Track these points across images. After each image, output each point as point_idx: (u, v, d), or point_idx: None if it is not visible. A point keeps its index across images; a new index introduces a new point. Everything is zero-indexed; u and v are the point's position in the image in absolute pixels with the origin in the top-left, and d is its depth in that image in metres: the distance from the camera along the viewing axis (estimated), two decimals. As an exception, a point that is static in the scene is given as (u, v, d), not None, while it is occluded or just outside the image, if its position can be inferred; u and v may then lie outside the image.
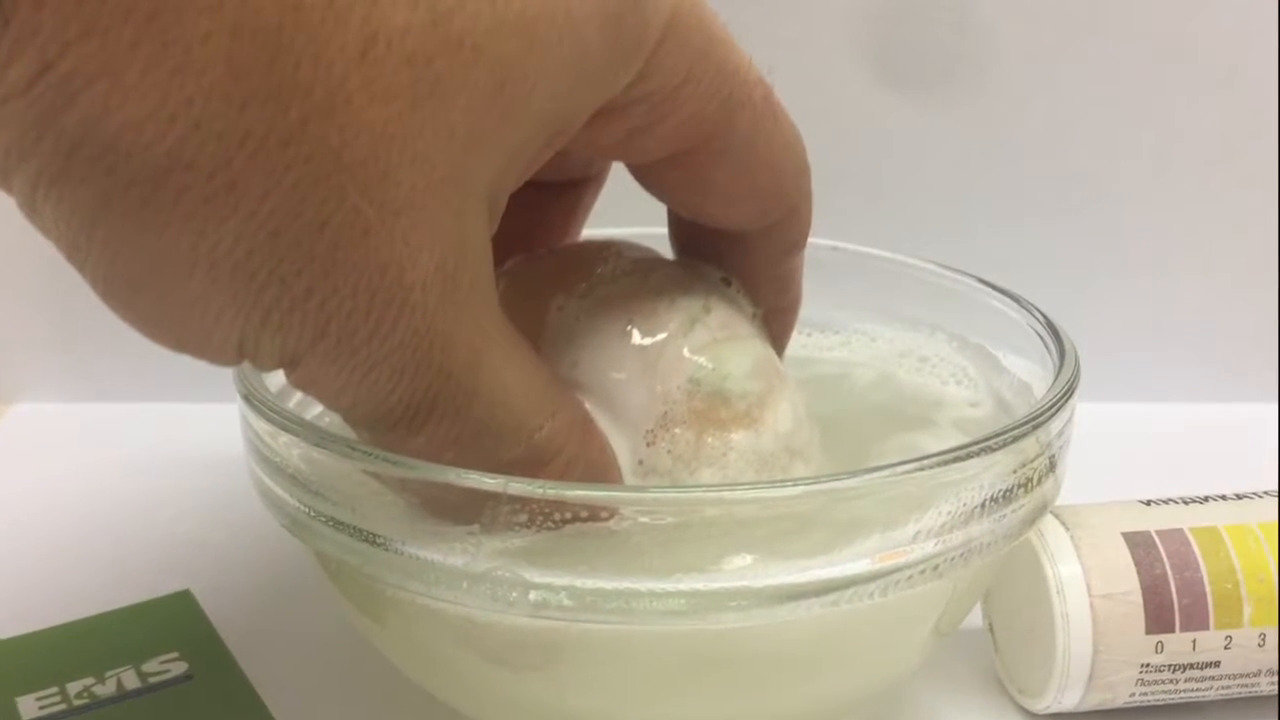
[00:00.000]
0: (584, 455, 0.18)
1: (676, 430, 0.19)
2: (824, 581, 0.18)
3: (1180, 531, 0.23)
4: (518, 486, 0.17)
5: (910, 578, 0.19)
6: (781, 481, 0.20)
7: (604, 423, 0.19)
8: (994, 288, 0.26)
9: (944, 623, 0.22)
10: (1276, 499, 0.24)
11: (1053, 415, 0.21)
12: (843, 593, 0.19)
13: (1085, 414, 0.23)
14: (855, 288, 0.28)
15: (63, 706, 0.23)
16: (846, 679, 0.21)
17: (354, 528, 0.19)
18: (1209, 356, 0.38)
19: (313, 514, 0.20)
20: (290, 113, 0.13)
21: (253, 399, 0.21)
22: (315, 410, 0.24)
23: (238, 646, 0.25)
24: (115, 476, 0.33)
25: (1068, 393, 0.22)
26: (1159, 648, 0.22)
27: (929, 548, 0.19)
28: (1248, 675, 0.22)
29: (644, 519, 0.18)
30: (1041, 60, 0.33)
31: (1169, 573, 0.22)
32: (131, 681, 0.24)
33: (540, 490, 0.17)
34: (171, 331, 0.15)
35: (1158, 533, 0.23)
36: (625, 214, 0.35)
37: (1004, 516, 0.20)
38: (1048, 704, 0.23)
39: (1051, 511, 0.23)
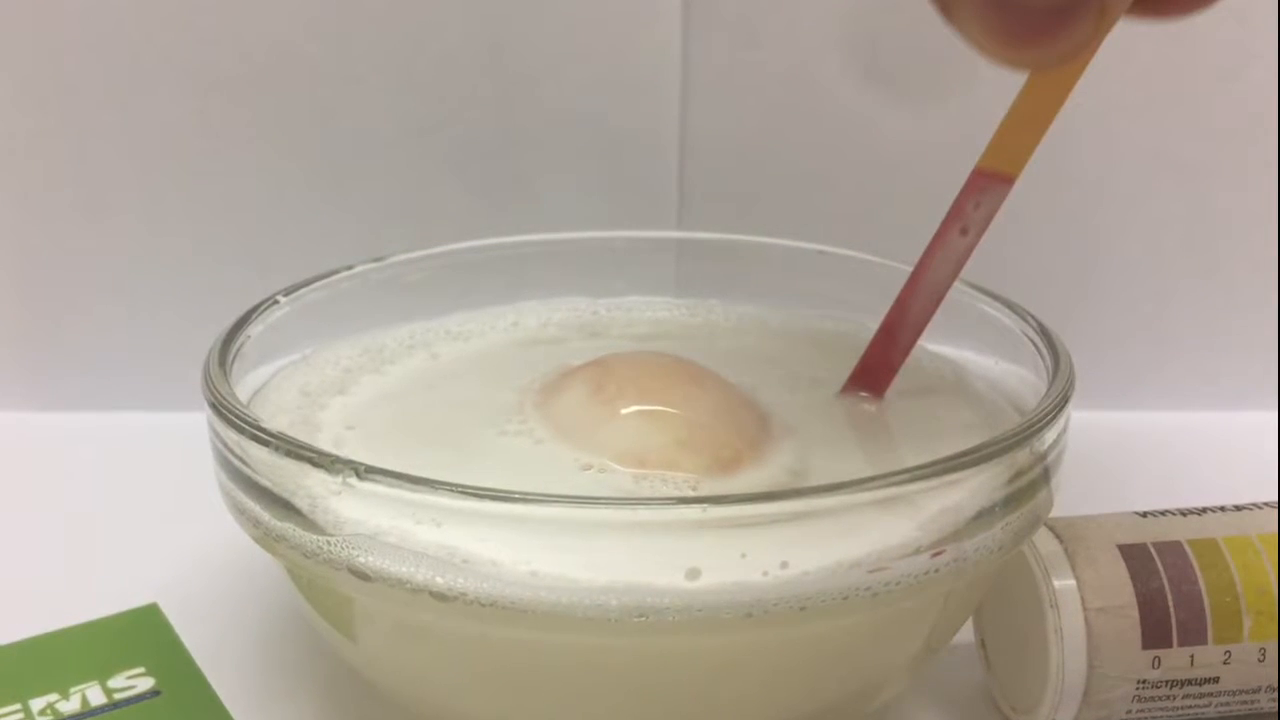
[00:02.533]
0: None
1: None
2: (811, 595, 0.18)
3: (1178, 544, 0.22)
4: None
5: (900, 591, 0.19)
6: (769, 494, 0.19)
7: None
8: (986, 293, 0.26)
9: (935, 638, 0.21)
10: (1276, 510, 0.23)
11: (1047, 425, 0.21)
12: (831, 605, 0.18)
13: (1080, 422, 0.22)
14: (841, 293, 0.28)
15: (24, 724, 0.22)
16: (835, 695, 0.21)
17: (325, 541, 0.19)
18: (1207, 363, 0.37)
19: (283, 527, 0.19)
20: None
21: (221, 408, 0.21)
22: (286, 420, 0.23)
23: (206, 662, 0.24)
24: (80, 488, 0.32)
25: (1062, 402, 0.21)
26: (1156, 663, 0.21)
27: (919, 561, 0.19)
28: (1247, 691, 0.22)
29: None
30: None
31: (1166, 586, 0.21)
32: (97, 698, 0.23)
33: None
34: None
35: (1154, 545, 0.22)
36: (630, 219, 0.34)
37: (997, 529, 0.20)
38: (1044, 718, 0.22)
39: (1045, 524, 0.22)
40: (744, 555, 0.18)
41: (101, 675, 0.23)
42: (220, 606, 0.27)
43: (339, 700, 0.24)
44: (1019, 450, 0.20)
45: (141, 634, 0.25)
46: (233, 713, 0.23)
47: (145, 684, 0.23)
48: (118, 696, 0.23)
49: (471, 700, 0.21)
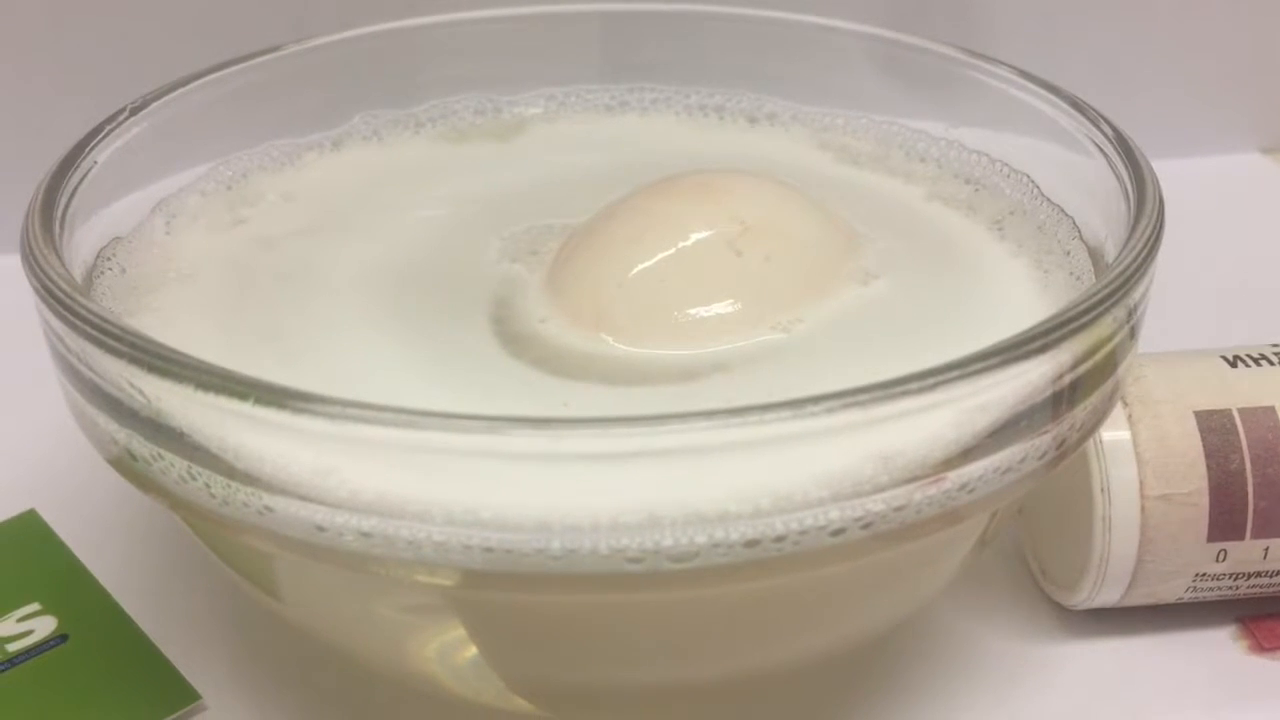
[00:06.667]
0: None
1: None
2: (853, 519, 0.14)
3: (1270, 411, 0.18)
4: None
5: (950, 508, 0.15)
6: (806, 400, 0.15)
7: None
8: (1036, 81, 0.20)
9: (989, 534, 0.18)
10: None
11: (1132, 284, 0.16)
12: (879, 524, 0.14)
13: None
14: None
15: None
16: (884, 608, 0.18)
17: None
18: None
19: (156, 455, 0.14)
20: None
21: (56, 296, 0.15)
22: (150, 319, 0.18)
23: (114, 581, 0.20)
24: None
25: (1149, 250, 0.17)
26: (1221, 556, 0.18)
27: (976, 469, 0.15)
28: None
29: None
30: None
31: (1248, 468, 0.18)
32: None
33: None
34: None
35: (1241, 413, 0.18)
36: None
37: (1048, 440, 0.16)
38: (1079, 600, 0.20)
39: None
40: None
41: (-11, 616, 0.19)
42: (110, 507, 0.21)
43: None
44: (1101, 321, 0.15)
45: (24, 554, 0.20)
46: (166, 654, 0.18)
47: (46, 625, 0.19)
48: (12, 648, 0.19)
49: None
